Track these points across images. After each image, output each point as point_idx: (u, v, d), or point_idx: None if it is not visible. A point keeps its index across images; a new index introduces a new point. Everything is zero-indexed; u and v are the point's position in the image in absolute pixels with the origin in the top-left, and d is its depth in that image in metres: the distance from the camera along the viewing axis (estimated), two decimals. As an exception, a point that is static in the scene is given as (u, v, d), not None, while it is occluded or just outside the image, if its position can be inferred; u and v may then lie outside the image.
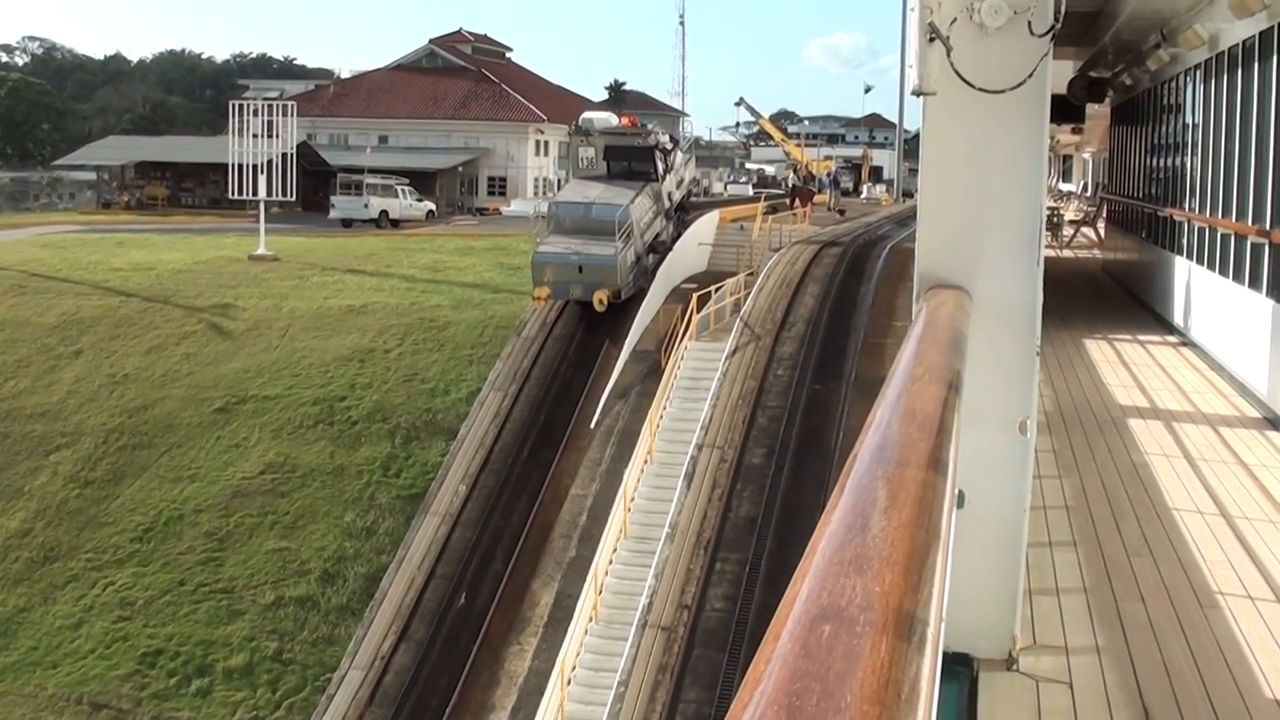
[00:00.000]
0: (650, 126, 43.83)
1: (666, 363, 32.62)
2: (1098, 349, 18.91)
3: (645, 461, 28.10)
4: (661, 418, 29.60)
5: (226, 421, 36.97)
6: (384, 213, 67.61)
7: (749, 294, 36.42)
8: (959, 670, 6.37)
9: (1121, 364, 17.82)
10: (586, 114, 45.19)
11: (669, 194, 43.63)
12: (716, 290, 36.40)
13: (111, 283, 46.06)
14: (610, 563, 25.45)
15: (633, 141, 42.54)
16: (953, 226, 6.51)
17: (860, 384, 30.49)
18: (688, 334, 33.05)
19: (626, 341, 36.36)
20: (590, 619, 24.16)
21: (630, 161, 42.17)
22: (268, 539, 32.61)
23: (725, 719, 1.52)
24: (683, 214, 46.39)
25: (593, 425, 32.81)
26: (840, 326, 34.15)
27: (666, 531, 25.57)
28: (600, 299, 36.82)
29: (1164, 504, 10.15)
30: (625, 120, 44.32)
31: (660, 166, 42.50)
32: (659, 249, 41.40)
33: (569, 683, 22.92)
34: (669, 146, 44.41)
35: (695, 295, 34.62)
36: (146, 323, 42.38)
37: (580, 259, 37.27)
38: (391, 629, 27.45)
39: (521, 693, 25.09)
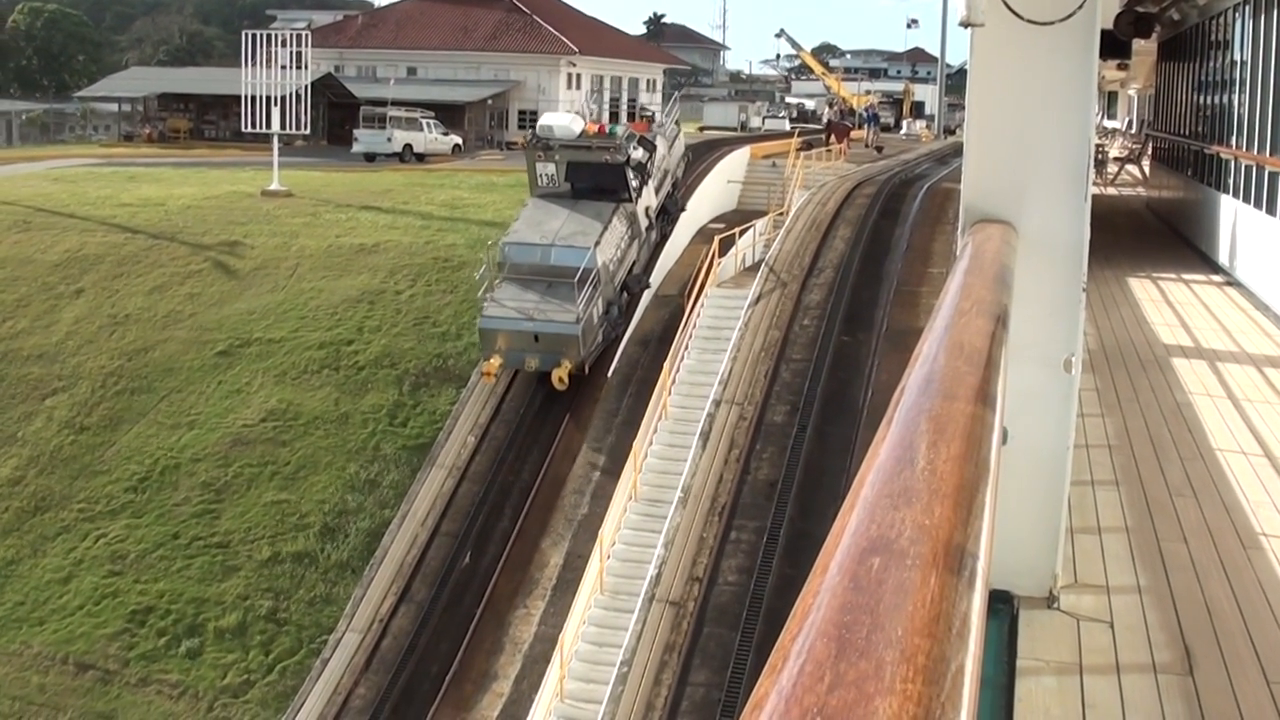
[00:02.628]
0: (619, 132, 34.70)
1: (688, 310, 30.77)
2: (1141, 287, 18.88)
3: (659, 418, 26.32)
4: (678, 370, 27.78)
5: (229, 365, 35.39)
6: (408, 146, 65.70)
7: (776, 237, 34.48)
8: (1000, 608, 6.44)
9: (1166, 303, 17.88)
10: (545, 119, 35.38)
11: (647, 208, 35.02)
12: (742, 232, 34.43)
13: (118, 219, 44.43)
14: (618, 528, 23.76)
15: (599, 158, 33.27)
16: (999, 160, 6.43)
17: (892, 336, 28.59)
18: (709, 279, 31.15)
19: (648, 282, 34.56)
20: (595, 589, 22.53)
21: (597, 180, 33.41)
22: (267, 490, 31.08)
23: (774, 648, 1.53)
24: (668, 216, 37.50)
25: (609, 374, 31.02)
26: (872, 273, 32.15)
27: (679, 495, 23.87)
28: (560, 377, 29.42)
29: (1207, 444, 10.19)
30: (591, 127, 34.72)
31: (634, 183, 33.92)
32: (633, 285, 33.52)
33: (570, 659, 21.35)
34: (643, 158, 34.91)
35: (717, 238, 32.64)
36: (151, 261, 40.76)
37: (536, 326, 29.79)
38: (391, 589, 25.98)
39: (526, 660, 23.60)
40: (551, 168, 33.73)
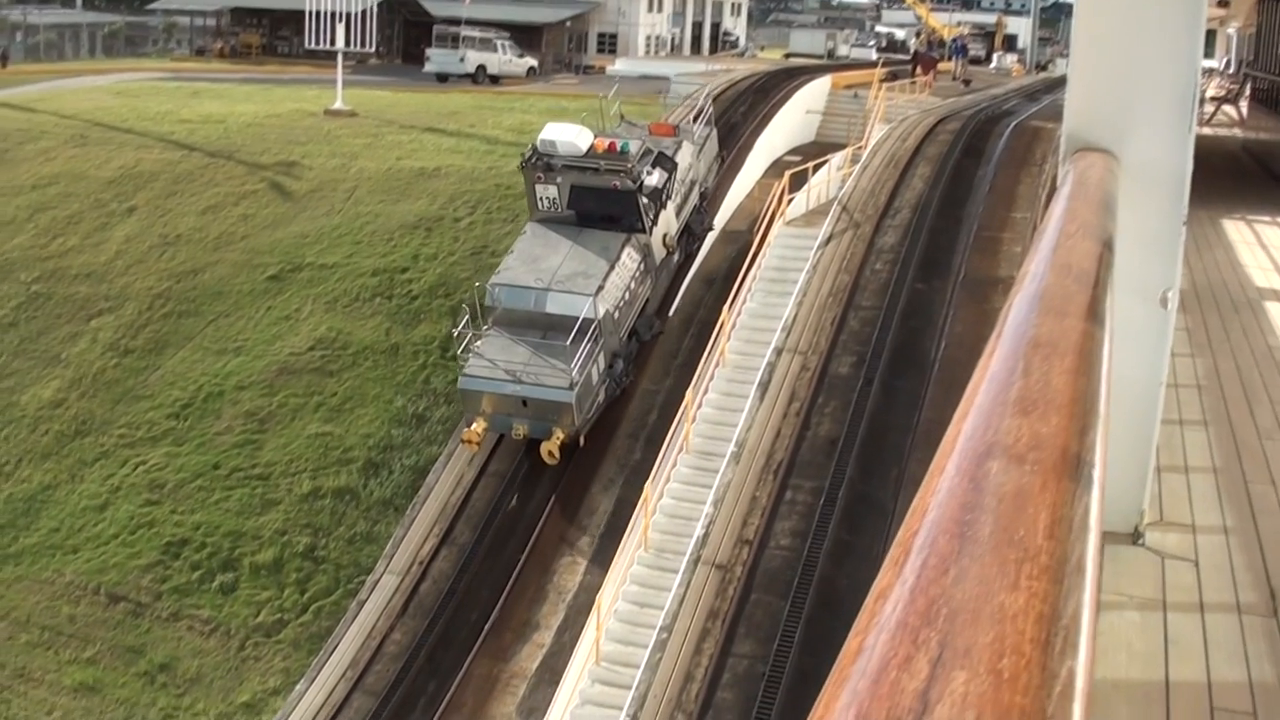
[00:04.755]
0: (632, 151, 27.75)
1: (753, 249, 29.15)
2: (1236, 229, 18.66)
3: (716, 365, 24.85)
4: (739, 314, 26.25)
5: (279, 290, 34.36)
6: (481, 68, 64.23)
7: (852, 173, 32.70)
8: None
9: (1260, 246, 17.70)
10: (547, 131, 28.11)
11: (665, 236, 29.01)
12: (816, 167, 32.68)
13: (176, 135, 43.49)
14: (667, 480, 22.40)
15: (607, 182, 27.32)
16: (1104, 88, 6.31)
17: (969, 284, 26.86)
18: (778, 216, 29.50)
19: (715, 219, 32.95)
20: (640, 545, 21.23)
21: (605, 207, 27.66)
22: (311, 422, 30.09)
23: (894, 544, 1.57)
24: (692, 234, 31.44)
25: (671, 312, 29.53)
26: (951, 215, 30.28)
27: (732, 450, 22.42)
28: (550, 451, 24.74)
29: None
30: (600, 144, 27.82)
31: (649, 210, 28.08)
32: (644, 330, 28.10)
33: (609, 618, 20.12)
34: (661, 181, 28.76)
35: (788, 173, 30.92)
36: (206, 179, 39.77)
37: (524, 390, 25.02)
38: (433, 530, 24.80)
39: (570, 610, 22.41)
40: (553, 190, 27.86)
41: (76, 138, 43.11)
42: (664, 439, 23.41)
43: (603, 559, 22.23)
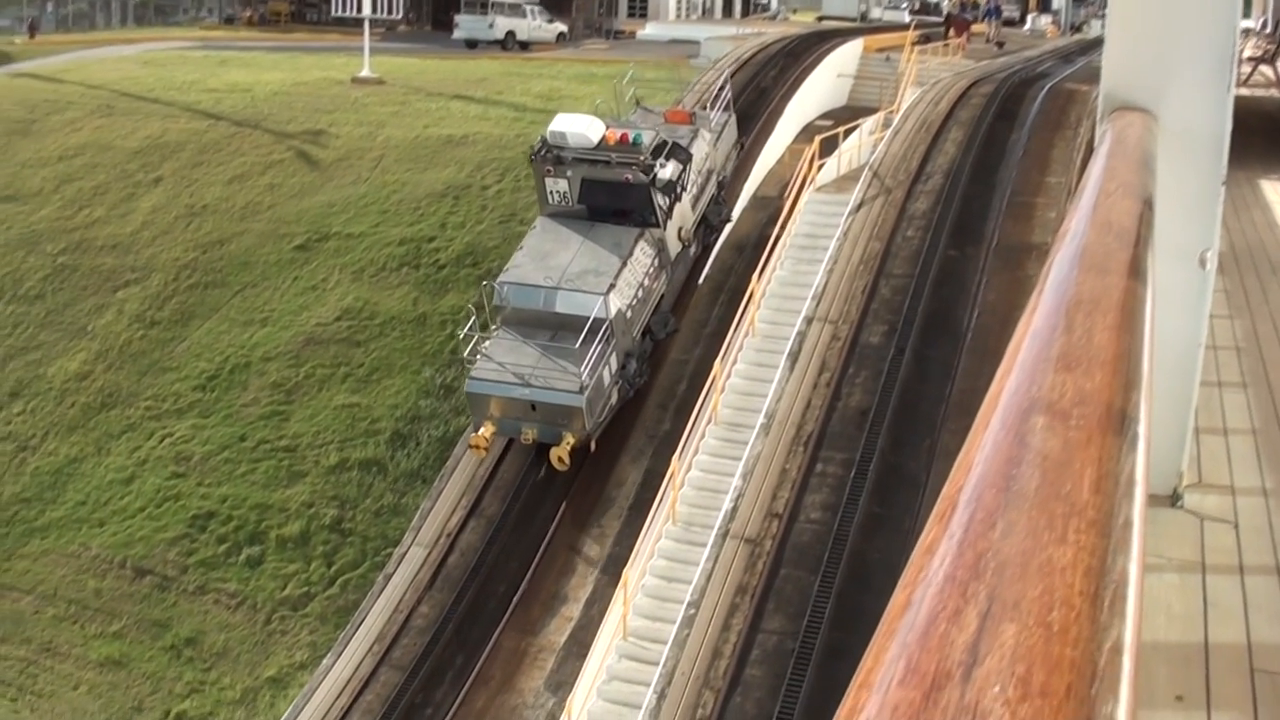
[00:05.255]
0: (645, 143, 26.52)
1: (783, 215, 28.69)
2: (1274, 190, 18.64)
3: (745, 334, 24.46)
4: (769, 282, 25.83)
5: (306, 260, 34.11)
6: (510, 34, 63.61)
7: (884, 137, 32.17)
8: None
9: None
10: (557, 123, 26.98)
11: (680, 229, 27.82)
12: (847, 132, 32.17)
13: (203, 104, 43.21)
14: (695, 452, 22.07)
15: (619, 176, 26.25)
16: (1142, 47, 6.30)
17: (1003, 251, 26.37)
18: (809, 182, 29.03)
19: (746, 185, 32.46)
20: (667, 519, 20.92)
21: (617, 201, 26.59)
22: (338, 393, 29.89)
23: (940, 499, 1.59)
24: (709, 226, 30.09)
25: (700, 280, 29.12)
26: (984, 181, 29.73)
27: (761, 421, 22.09)
28: (560, 457, 23.67)
29: None
30: (612, 136, 26.62)
31: (663, 204, 26.91)
32: (658, 329, 26.87)
33: (636, 593, 19.84)
34: (675, 173, 27.26)
35: (819, 138, 30.41)
36: (233, 149, 39.51)
37: (532, 394, 24.05)
38: (461, 502, 24.54)
39: (598, 583, 22.15)
40: (564, 184, 26.77)
41: (103, 108, 42.91)
42: (693, 409, 23.09)
43: (631, 531, 21.94)
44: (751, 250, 29.38)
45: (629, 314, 25.24)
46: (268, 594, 25.66)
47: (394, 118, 41.60)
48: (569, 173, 26.54)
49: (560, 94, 45.38)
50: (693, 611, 18.87)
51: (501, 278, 25.69)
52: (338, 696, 21.03)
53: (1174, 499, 6.85)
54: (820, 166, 29.77)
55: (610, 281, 24.80)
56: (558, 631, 21.61)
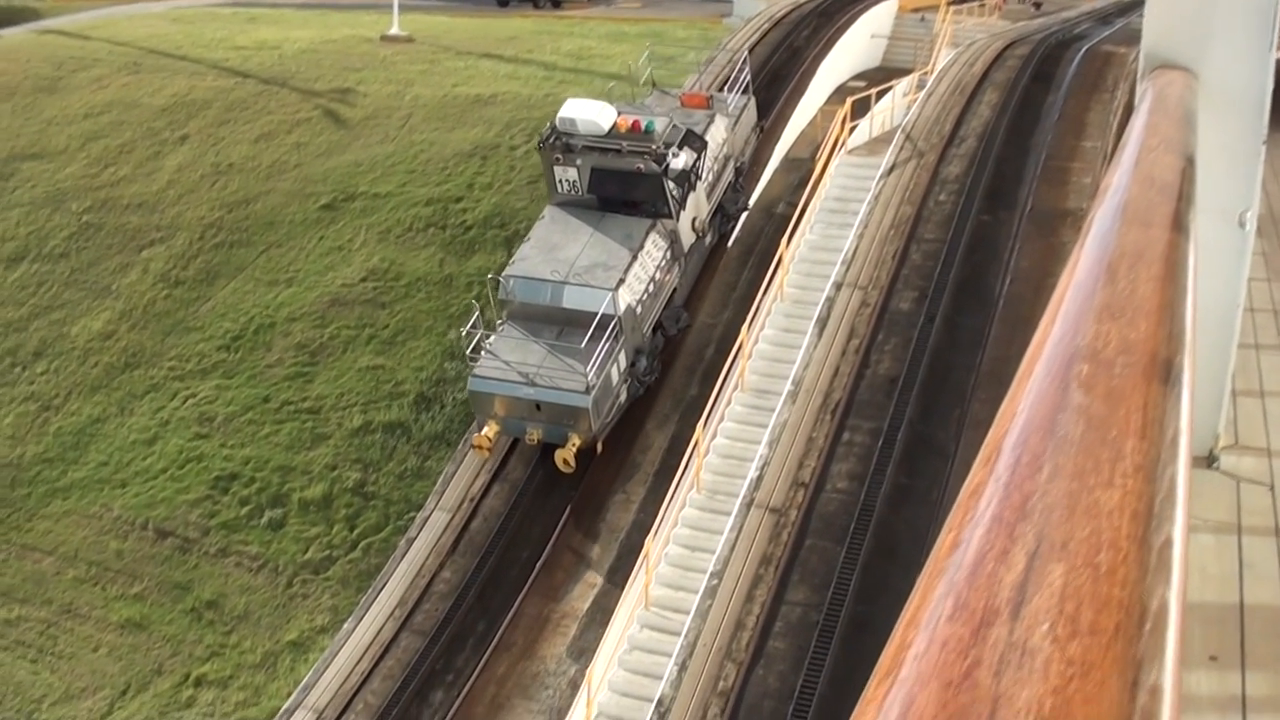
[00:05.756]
0: (658, 130, 25.46)
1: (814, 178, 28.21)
2: None
3: (774, 299, 24.06)
4: (799, 246, 25.40)
5: (332, 220, 33.82)
6: (542, -9, 63.11)
7: (917, 100, 31.60)
8: None
9: None
10: (566, 108, 25.83)
11: (694, 219, 26.72)
12: (880, 93, 31.61)
13: (230, 62, 42.88)
14: (721, 419, 21.73)
15: (630, 165, 25.13)
16: (1183, 5, 6.10)
17: (1037, 217, 25.86)
18: (840, 145, 28.52)
19: (777, 147, 31.94)
20: (691, 487, 20.62)
21: (628, 191, 25.55)
22: (363, 355, 29.65)
23: (984, 444, 1.61)
24: (725, 214, 28.80)
25: (730, 243, 28.71)
26: (1019, 144, 29.16)
27: (789, 388, 21.73)
28: (565, 459, 22.97)
29: None
30: (624, 123, 25.46)
31: (676, 194, 25.67)
32: (669, 324, 25.76)
33: (659, 562, 19.56)
34: (689, 162, 26.02)
35: (850, 100, 29.87)
36: (260, 107, 39.18)
37: (537, 393, 23.14)
38: (485, 466, 24.30)
39: (622, 549, 21.95)
40: (573, 172, 25.71)
41: (130, 65, 42.63)
42: (720, 374, 22.74)
43: (656, 497, 21.66)
44: (782, 213, 28.95)
45: (639, 309, 24.40)
46: (289, 557, 25.51)
47: (423, 76, 41.19)
48: (578, 161, 25.56)
49: (591, 53, 44.90)
50: (715, 582, 18.59)
51: (508, 271, 24.78)
52: (358, 661, 20.89)
53: (1210, 460, 6.85)
54: (852, 129, 29.25)
55: (620, 276, 23.94)
56: (581, 598, 21.40)
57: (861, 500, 19.66)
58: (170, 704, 23.37)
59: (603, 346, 23.08)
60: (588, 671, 17.98)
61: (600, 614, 20.41)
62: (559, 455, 22.86)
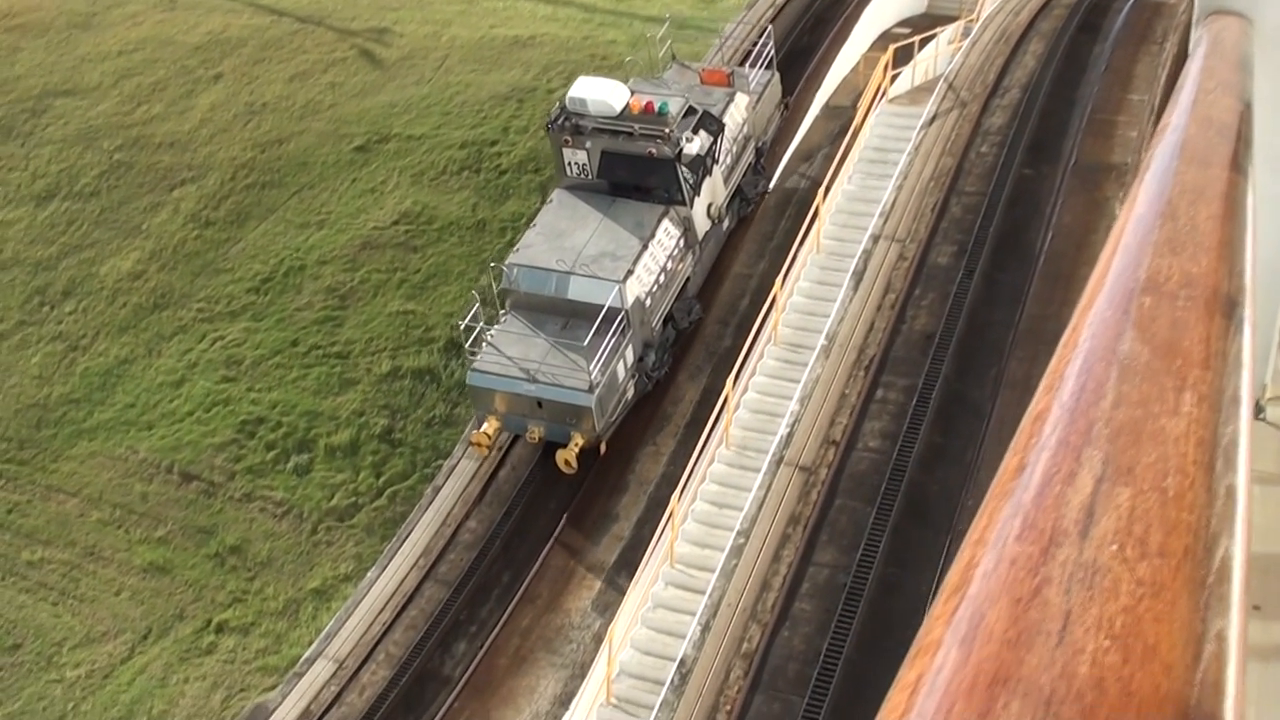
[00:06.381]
0: (672, 112, 24.04)
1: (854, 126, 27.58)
2: None
3: (811, 250, 23.55)
4: (836, 196, 24.84)
5: (365, 162, 33.45)
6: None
7: (960, 48, 30.84)
8: None
9: None
10: (577, 88, 24.54)
11: (710, 205, 25.38)
12: (923, 41, 30.86)
13: (266, 0, 42.42)
14: (753, 374, 21.30)
15: (642, 149, 23.89)
16: None
17: (1081, 171, 25.19)
18: (881, 93, 27.86)
19: (818, 94, 31.25)
20: (720, 443, 20.23)
21: (640, 176, 24.31)
22: (393, 299, 29.35)
23: (1046, 373, 1.63)
24: (744, 198, 27.30)
25: (768, 191, 28.13)
26: (1064, 96, 28.39)
27: (822, 343, 21.27)
28: (567, 460, 21.96)
29: None
30: (637, 104, 24.06)
31: (690, 180, 24.42)
32: (680, 316, 24.52)
33: (685, 518, 19.21)
34: (704, 146, 24.70)
35: (893, 47, 29.16)
36: (295, 46, 38.74)
37: (539, 390, 22.13)
38: (514, 415, 23.95)
39: (650, 502, 21.59)
40: (582, 155, 24.44)
41: (165, 2, 42.18)
42: (753, 326, 22.25)
43: (686, 450, 21.27)
44: (821, 161, 28.34)
45: (648, 302, 23.27)
46: (314, 503, 25.33)
47: (460, 16, 40.60)
48: (588, 143, 24.27)
49: (630, -4, 44.18)
50: (742, 541, 18.24)
51: (511, 258, 23.66)
52: (381, 610, 20.70)
53: (1257, 410, 6.74)
54: (894, 77, 28.57)
55: (628, 267, 22.80)
56: (607, 551, 21.10)
57: (893, 460, 19.24)
58: (191, 649, 23.28)
59: (608, 342, 22.01)
60: (610, 628, 17.69)
61: (626, 568, 20.11)
62: (560, 456, 21.96)
